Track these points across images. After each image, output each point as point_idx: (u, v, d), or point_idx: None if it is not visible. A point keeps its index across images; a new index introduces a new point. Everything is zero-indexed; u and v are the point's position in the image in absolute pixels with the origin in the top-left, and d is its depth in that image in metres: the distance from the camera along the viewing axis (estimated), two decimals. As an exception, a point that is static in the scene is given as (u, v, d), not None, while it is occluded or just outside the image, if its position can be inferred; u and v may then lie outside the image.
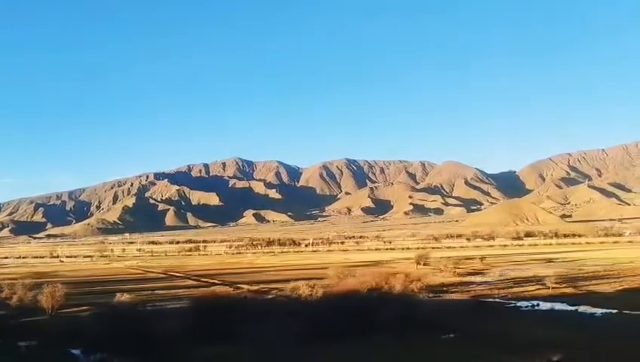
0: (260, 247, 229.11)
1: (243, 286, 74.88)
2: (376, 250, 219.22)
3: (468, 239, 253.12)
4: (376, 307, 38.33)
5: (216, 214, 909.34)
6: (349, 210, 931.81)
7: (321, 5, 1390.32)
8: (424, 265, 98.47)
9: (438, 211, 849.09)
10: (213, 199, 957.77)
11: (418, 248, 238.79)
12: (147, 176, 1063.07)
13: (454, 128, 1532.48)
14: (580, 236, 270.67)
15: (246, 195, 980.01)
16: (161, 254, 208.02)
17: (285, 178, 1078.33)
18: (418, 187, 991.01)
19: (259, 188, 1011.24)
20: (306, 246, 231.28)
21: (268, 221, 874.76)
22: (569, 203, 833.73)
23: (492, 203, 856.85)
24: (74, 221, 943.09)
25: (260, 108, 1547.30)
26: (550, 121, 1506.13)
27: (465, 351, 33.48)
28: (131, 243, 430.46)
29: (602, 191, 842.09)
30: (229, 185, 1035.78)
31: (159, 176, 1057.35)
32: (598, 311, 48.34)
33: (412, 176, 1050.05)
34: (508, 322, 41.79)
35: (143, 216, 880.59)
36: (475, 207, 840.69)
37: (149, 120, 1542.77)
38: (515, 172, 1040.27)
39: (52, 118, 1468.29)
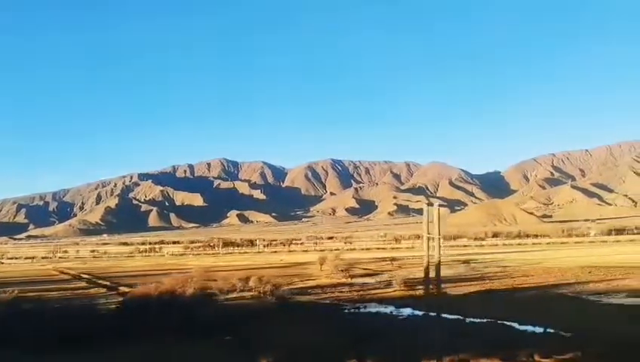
0: (216, 248, 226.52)
1: (123, 287, 72.67)
2: (335, 250, 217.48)
3: (419, 238, 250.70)
4: (146, 311, 36.18)
5: (199, 215, 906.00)
6: (334, 211, 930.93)
7: (308, 5, 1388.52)
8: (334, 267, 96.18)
9: (422, 212, 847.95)
10: (197, 200, 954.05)
11: (378, 248, 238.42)
12: (131, 177, 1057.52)
13: (439, 129, 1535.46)
14: (543, 236, 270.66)
15: (230, 196, 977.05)
16: (113, 256, 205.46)
17: (270, 178, 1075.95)
18: (403, 187, 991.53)
19: (243, 188, 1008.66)
20: (263, 246, 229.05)
21: (252, 222, 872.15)
22: (552, 203, 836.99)
23: (476, 203, 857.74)
24: (57, 222, 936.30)
25: (246, 109, 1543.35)
26: (535, 121, 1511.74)
27: (213, 354, 31.63)
28: (105, 243, 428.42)
29: (585, 191, 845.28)
30: (214, 186, 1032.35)
31: (143, 176, 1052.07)
32: (407, 311, 46.91)
33: (397, 177, 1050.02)
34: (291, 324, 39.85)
35: (125, 217, 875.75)
36: (459, 208, 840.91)
37: (134, 120, 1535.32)
38: (499, 172, 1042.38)
39: (40, 119, 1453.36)
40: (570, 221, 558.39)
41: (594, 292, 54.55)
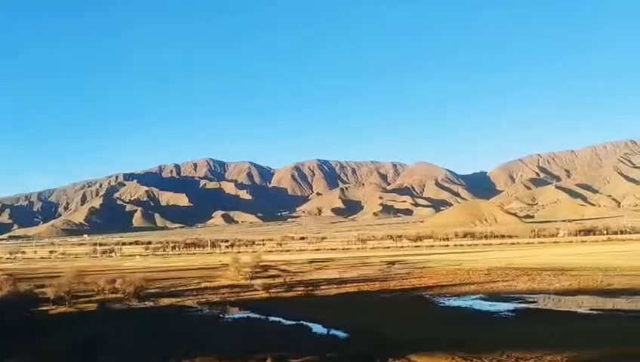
0: (178, 249, 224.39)
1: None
2: (300, 250, 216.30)
3: (393, 240, 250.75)
4: None
5: (184, 215, 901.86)
6: (320, 211, 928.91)
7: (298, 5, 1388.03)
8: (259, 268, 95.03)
9: (408, 212, 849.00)
10: (182, 200, 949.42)
11: (343, 249, 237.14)
12: (117, 177, 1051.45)
13: (426, 129, 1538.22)
14: (511, 237, 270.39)
15: (216, 196, 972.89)
16: (69, 257, 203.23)
17: (257, 179, 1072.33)
18: (389, 188, 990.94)
19: (229, 188, 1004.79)
20: (227, 247, 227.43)
21: (237, 222, 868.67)
22: (536, 203, 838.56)
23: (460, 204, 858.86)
24: (41, 222, 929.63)
25: (233, 109, 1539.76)
26: (521, 122, 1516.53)
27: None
28: (81, 244, 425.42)
29: (569, 191, 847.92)
30: (200, 186, 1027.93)
31: (129, 176, 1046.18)
32: (244, 314, 45.89)
33: (383, 177, 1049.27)
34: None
35: (109, 218, 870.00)
36: (444, 208, 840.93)
37: (121, 121, 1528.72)
38: (485, 173, 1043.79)
39: (29, 119, 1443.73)
40: (551, 221, 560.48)
41: (456, 294, 53.65)
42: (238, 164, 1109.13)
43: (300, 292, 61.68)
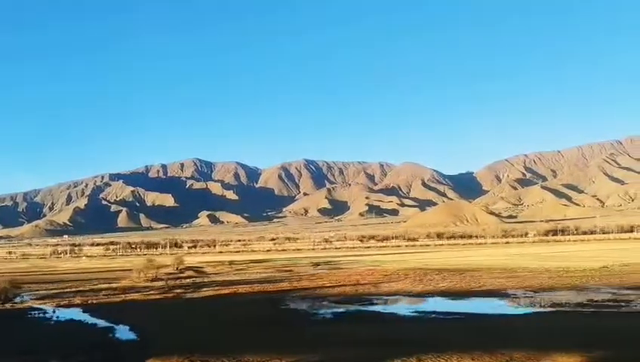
0: (139, 249, 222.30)
1: None
2: (267, 250, 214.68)
3: (360, 240, 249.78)
4: None
5: (170, 215, 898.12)
6: (306, 211, 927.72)
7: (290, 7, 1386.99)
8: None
9: (394, 212, 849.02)
10: (168, 200, 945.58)
11: (309, 249, 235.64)
12: (102, 177, 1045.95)
13: (414, 129, 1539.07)
14: (477, 237, 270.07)
15: (203, 196, 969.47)
16: (31, 257, 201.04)
17: (244, 179, 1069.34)
18: (376, 188, 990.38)
19: (216, 189, 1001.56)
20: (189, 248, 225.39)
21: (222, 222, 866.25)
22: (522, 203, 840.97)
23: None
24: (25, 222, 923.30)
25: (220, 109, 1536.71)
26: (507, 122, 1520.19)
27: None
28: (56, 245, 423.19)
29: (555, 191, 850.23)
30: (187, 186, 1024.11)
31: (115, 176, 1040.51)
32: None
33: (370, 177, 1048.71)
34: None
35: (94, 218, 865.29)
36: (430, 208, 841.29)
37: (109, 121, 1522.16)
38: (472, 173, 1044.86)
39: (17, 118, 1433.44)
40: (533, 221, 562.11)
41: (321, 295, 52.57)
42: (225, 164, 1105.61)
43: (175, 294, 60.03)
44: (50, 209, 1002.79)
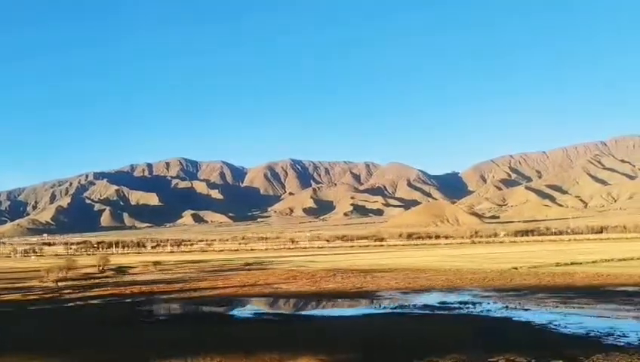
0: (101, 249, 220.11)
1: None
2: (234, 250, 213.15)
3: (327, 241, 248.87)
4: None
5: (154, 215, 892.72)
6: (291, 211, 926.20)
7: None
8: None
9: (379, 212, 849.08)
10: (152, 199, 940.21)
11: (275, 249, 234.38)
12: (87, 176, 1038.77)
13: (400, 130, 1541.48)
14: (446, 238, 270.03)
15: (188, 195, 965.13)
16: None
17: (230, 178, 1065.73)
18: (361, 188, 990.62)
19: (201, 188, 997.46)
20: (152, 248, 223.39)
21: (206, 222, 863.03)
22: (506, 204, 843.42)
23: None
24: (8, 221, 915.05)
25: (206, 108, 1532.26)
26: (493, 123, 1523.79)
27: None
28: (32, 244, 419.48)
29: (539, 192, 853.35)
30: (172, 186, 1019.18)
31: (99, 175, 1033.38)
32: None
33: (356, 177, 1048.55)
34: None
35: (77, 217, 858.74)
36: (412, 208, 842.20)
37: (95, 119, 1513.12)
38: (458, 173, 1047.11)
39: (1, 117, 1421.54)
40: (514, 222, 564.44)
41: (185, 297, 51.28)
42: (211, 163, 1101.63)
43: (58, 294, 58.54)
44: (34, 208, 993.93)
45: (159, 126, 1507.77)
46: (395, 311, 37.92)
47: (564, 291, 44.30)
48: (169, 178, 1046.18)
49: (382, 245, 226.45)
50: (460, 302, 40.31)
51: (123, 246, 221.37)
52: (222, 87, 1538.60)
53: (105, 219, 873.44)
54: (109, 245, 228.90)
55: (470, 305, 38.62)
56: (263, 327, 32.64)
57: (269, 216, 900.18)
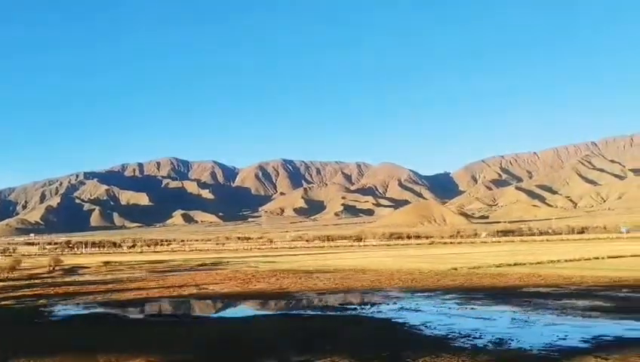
0: (77, 249, 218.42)
1: None
2: (200, 251, 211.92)
3: (307, 241, 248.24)
4: None
5: (144, 214, 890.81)
6: (282, 211, 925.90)
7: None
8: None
9: (370, 212, 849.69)
10: (143, 199, 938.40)
11: (249, 249, 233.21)
12: (77, 176, 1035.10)
13: (392, 130, 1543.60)
14: (427, 238, 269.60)
15: (178, 195, 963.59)
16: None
17: (221, 178, 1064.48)
18: (353, 188, 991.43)
19: (192, 188, 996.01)
20: (128, 248, 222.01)
21: (197, 221, 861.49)
22: (496, 204, 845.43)
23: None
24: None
25: (198, 108, 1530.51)
26: (485, 124, 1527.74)
27: None
28: (11, 244, 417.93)
29: (529, 192, 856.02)
30: (162, 185, 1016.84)
31: (89, 175, 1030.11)
32: None
33: (348, 177, 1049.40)
34: None
35: (67, 217, 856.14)
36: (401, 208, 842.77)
37: (87, 119, 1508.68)
38: (449, 173, 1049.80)
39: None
40: (499, 222, 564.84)
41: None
42: (202, 163, 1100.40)
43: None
44: (24, 207, 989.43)
45: (151, 126, 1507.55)
46: (288, 312, 36.84)
47: (476, 292, 43.30)
48: (160, 178, 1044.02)
49: (359, 245, 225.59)
50: (362, 303, 39.30)
51: (99, 246, 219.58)
52: (214, 87, 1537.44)
53: (94, 218, 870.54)
54: (86, 245, 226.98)
55: (369, 306, 37.54)
56: (139, 329, 31.47)
57: (260, 216, 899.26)
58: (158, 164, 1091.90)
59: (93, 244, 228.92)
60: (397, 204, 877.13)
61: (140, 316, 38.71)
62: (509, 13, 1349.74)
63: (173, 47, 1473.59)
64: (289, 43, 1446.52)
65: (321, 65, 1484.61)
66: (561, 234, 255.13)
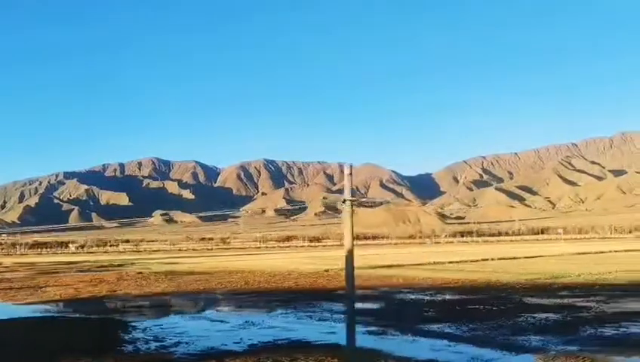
0: (24, 248, 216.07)
1: None
2: (133, 251, 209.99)
3: (261, 242, 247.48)
4: None
5: (124, 215, 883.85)
6: (263, 211, 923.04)
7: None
8: None
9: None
10: (122, 199, 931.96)
11: (209, 249, 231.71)
12: (57, 176, 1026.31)
13: (373, 130, 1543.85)
14: (383, 238, 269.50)
15: (159, 195, 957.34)
16: None
17: (202, 178, 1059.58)
18: (334, 188, 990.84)
19: (172, 188, 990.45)
20: (76, 248, 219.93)
21: (176, 222, 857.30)
22: (476, 205, 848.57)
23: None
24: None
25: (179, 107, 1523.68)
26: (466, 124, 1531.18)
27: None
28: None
29: (509, 193, 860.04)
30: (143, 185, 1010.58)
31: (69, 175, 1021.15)
32: None
33: (330, 178, 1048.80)
34: None
35: (45, 217, 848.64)
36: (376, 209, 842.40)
37: (68, 118, 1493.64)
38: (430, 174, 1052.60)
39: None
40: (474, 223, 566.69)
41: None
42: (184, 163, 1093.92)
43: None
44: (2, 207, 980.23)
45: (132, 125, 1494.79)
46: (55, 314, 35.97)
47: (276, 294, 42.89)
48: (141, 178, 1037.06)
49: (304, 246, 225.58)
50: (149, 306, 38.66)
51: (49, 247, 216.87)
52: (195, 88, 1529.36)
53: (73, 219, 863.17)
54: (33, 246, 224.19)
55: (146, 309, 37.00)
56: None
57: (239, 217, 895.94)
58: (140, 164, 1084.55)
59: (40, 245, 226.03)
60: (377, 204, 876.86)
61: None
62: (490, 16, 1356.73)
63: (155, 49, 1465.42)
64: (271, 45, 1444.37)
65: (303, 66, 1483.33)
66: (519, 234, 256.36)
